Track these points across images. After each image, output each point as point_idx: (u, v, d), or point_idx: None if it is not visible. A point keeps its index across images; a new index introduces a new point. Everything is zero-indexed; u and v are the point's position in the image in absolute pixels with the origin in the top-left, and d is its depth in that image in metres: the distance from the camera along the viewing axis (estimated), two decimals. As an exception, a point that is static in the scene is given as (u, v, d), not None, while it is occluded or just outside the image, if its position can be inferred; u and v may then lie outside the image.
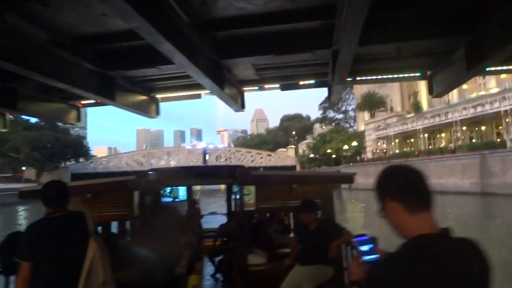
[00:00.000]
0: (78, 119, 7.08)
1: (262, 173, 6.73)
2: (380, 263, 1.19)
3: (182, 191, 7.60)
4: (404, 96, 59.50)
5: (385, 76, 6.27)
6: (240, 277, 4.28)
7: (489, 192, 29.03)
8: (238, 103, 6.70)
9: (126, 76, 5.77)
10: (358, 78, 6.33)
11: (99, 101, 6.44)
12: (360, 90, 70.58)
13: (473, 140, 36.98)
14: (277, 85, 6.65)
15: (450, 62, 5.39)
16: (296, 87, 6.59)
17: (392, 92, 61.02)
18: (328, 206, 4.55)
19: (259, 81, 6.52)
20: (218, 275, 5.70)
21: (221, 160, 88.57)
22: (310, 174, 7.55)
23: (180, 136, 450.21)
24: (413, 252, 1.07)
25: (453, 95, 49.55)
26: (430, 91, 6.18)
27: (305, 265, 3.80)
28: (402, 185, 1.15)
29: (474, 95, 44.39)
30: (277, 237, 5.51)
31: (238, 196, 4.91)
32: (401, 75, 6.26)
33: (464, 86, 49.56)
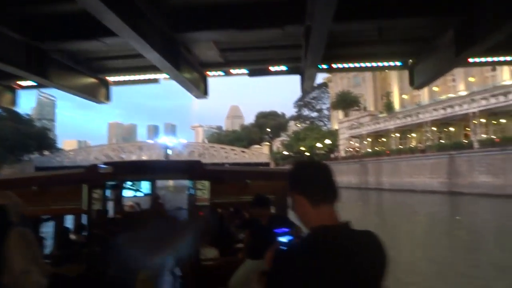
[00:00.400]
0: (14, 103, 6.08)
1: (216, 168, 6.59)
2: (282, 253, 1.22)
3: (145, 185, 7.36)
4: (377, 96, 60.36)
5: (363, 64, 5.70)
6: (192, 272, 4.32)
7: (456, 191, 29.65)
8: (201, 89, 5.95)
9: (64, 50, 4.89)
10: (334, 66, 5.73)
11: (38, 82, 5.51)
12: (335, 89, 71.15)
13: (442, 141, 37.78)
14: (245, 70, 5.93)
15: (434, 49, 4.89)
16: (266, 73, 5.91)
17: (366, 91, 61.79)
18: (282, 202, 4.59)
19: (224, 65, 5.80)
20: (176, 270, 5.30)
21: (195, 156, 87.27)
22: (265, 170, 7.36)
23: (154, 130, 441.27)
24: (313, 243, 1.13)
25: (424, 96, 50.70)
26: (411, 81, 5.68)
27: (256, 259, 3.79)
28: (307, 180, 1.21)
29: (444, 97, 45.54)
30: (237, 232, 5.56)
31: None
32: (380, 63, 5.72)
33: (435, 88, 50.92)
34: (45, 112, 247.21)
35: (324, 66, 5.65)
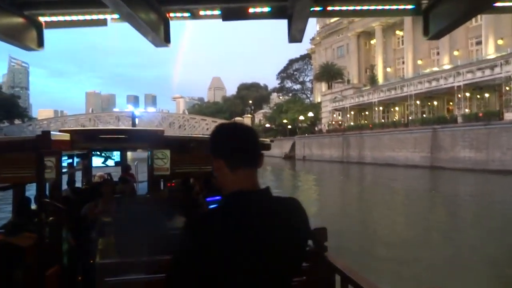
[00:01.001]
0: None
1: (176, 137, 6.40)
2: (197, 218, 1.16)
3: (116, 155, 7.12)
4: (361, 68, 59.35)
5: (365, 7, 4.49)
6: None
7: (438, 166, 29.57)
8: (160, 35, 4.63)
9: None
10: (329, 8, 4.49)
11: None
12: (318, 60, 69.67)
13: (425, 115, 37.52)
14: (217, 12, 4.63)
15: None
16: (244, 15, 4.63)
17: (350, 64, 60.63)
18: None
19: (191, 2, 4.48)
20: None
21: (175, 127, 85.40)
22: None
23: (134, 101, 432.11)
24: (225, 208, 1.11)
25: (408, 70, 50.12)
26: (425, 30, 4.55)
27: None
28: (226, 143, 1.16)
29: (428, 70, 44.91)
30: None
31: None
32: (387, 7, 4.52)
33: (419, 61, 50.33)
34: (17, 80, 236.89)
35: (318, 9, 4.42)
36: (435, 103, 37.40)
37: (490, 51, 39.39)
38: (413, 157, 32.36)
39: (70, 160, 5.87)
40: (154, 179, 4.82)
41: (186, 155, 4.56)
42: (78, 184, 6.91)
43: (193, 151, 4.58)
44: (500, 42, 39.56)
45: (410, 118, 36.52)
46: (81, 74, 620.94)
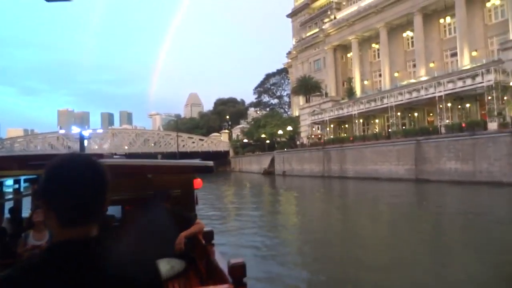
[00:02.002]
0: None
1: (111, 162, 5.40)
2: (11, 274, 0.93)
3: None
4: (338, 81, 58.92)
5: None
6: None
7: (423, 178, 28.48)
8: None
9: None
10: None
11: None
12: (295, 74, 69.08)
13: (405, 127, 36.78)
14: None
15: None
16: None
17: (327, 77, 60.17)
18: (188, 197, 4.57)
19: None
20: None
21: (150, 144, 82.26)
22: (167, 163, 5.93)
23: (109, 118, 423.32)
24: (50, 261, 0.92)
25: (386, 82, 49.92)
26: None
27: None
28: (55, 190, 0.94)
29: (405, 82, 44.66)
30: None
31: None
32: None
33: (396, 74, 50.30)
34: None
35: None
36: (416, 114, 36.79)
37: (465, 62, 39.51)
38: (397, 170, 31.23)
39: (17, 185, 5.43)
40: None
41: (123, 180, 4.31)
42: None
43: (131, 176, 4.37)
44: (474, 53, 39.88)
45: (391, 130, 35.62)
46: (54, 92, 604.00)
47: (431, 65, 45.06)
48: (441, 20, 44.68)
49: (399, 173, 31.02)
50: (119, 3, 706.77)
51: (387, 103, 35.94)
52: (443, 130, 29.53)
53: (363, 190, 28.54)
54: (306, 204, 23.42)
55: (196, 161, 6.05)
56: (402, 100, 34.56)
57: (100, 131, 77.87)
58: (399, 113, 35.96)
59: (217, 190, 32.27)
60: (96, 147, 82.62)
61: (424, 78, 41.34)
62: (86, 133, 41.70)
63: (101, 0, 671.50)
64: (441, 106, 30.70)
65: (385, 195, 24.15)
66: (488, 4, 39.90)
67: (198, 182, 5.14)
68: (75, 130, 56.65)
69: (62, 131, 70.57)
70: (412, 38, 48.68)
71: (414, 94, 33.27)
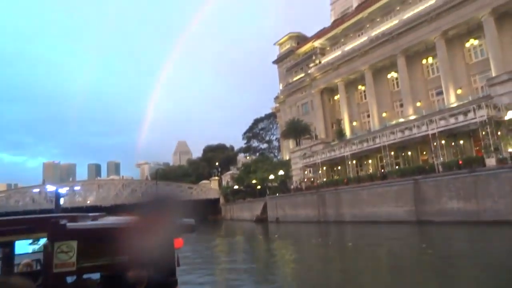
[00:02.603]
0: None
1: (84, 227, 4.69)
2: None
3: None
4: (327, 123, 58.85)
5: None
6: None
7: (425, 220, 26.98)
8: None
9: None
10: None
11: None
12: (283, 118, 69.16)
13: (398, 166, 35.87)
14: None
15: None
16: None
17: (316, 120, 60.16)
18: (167, 259, 4.35)
19: None
20: None
21: (138, 194, 79.41)
22: (143, 224, 4.23)
23: (96, 170, 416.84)
24: None
25: (375, 123, 49.88)
26: None
27: None
28: None
29: (394, 122, 44.55)
30: None
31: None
32: None
33: (383, 114, 50.46)
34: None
35: None
36: (409, 153, 36.06)
37: (452, 100, 39.79)
38: (396, 212, 29.73)
39: None
40: (56, 276, 4.10)
41: (97, 245, 4.25)
42: None
43: (106, 240, 4.22)
44: (459, 91, 40.36)
45: (386, 170, 34.58)
46: (40, 145, 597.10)
47: (418, 104, 45.38)
48: (424, 61, 45.72)
49: (399, 215, 29.50)
50: (108, 57, 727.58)
51: (380, 143, 35.27)
52: (440, 168, 28.58)
53: (362, 235, 26.78)
54: (303, 254, 21.49)
55: (179, 220, 5.20)
56: (394, 139, 33.93)
57: (78, 187, 75.01)
58: (392, 153, 35.17)
59: (206, 243, 30.05)
60: (81, 199, 79.49)
61: (412, 117, 41.29)
62: (63, 190, 39.68)
63: (90, 54, 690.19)
64: (435, 143, 30.03)
65: (385, 240, 22.49)
66: (467, 45, 41.09)
67: (179, 241, 4.83)
68: (50, 188, 54.20)
69: (50, 187, 67.53)
70: (396, 79, 49.52)
71: (407, 133, 32.73)
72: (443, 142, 30.25)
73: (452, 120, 28.73)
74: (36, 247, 5.82)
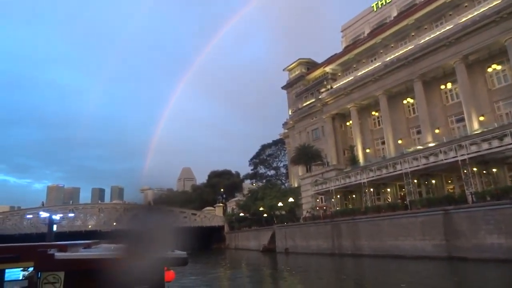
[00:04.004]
0: None
1: (73, 257, 4.50)
2: None
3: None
4: (339, 150, 56.59)
5: None
6: None
7: (458, 256, 24.03)
8: None
9: None
10: None
11: None
12: (292, 144, 67.06)
13: (422, 195, 33.10)
14: None
15: None
16: None
17: (327, 146, 57.99)
18: None
19: None
20: None
21: (137, 219, 76.43)
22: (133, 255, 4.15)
23: (100, 194, 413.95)
24: None
25: (390, 150, 47.55)
26: None
27: None
28: None
29: (412, 149, 42.17)
30: None
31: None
32: None
33: (399, 141, 48.23)
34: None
35: None
36: (433, 181, 33.41)
37: (475, 127, 37.59)
38: (423, 246, 26.79)
39: None
40: None
41: (85, 276, 4.17)
42: None
43: (94, 271, 4.12)
44: (481, 118, 38.26)
45: (408, 198, 31.83)
46: (45, 168, 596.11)
47: (437, 131, 43.22)
48: (442, 87, 43.92)
49: (426, 249, 26.55)
50: (116, 83, 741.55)
51: (401, 169, 32.70)
52: (473, 198, 25.90)
53: (386, 272, 23.80)
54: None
55: (169, 253, 4.80)
56: (418, 166, 31.38)
57: (72, 214, 72.71)
58: (415, 180, 32.53)
59: (204, 276, 27.17)
60: (80, 223, 76.57)
61: (432, 144, 38.98)
62: (57, 216, 37.41)
63: (98, 80, 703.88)
64: (465, 171, 27.46)
65: (416, 279, 19.57)
66: (489, 70, 39.37)
67: (170, 274, 4.73)
68: (44, 214, 52.09)
69: (44, 213, 64.95)
70: (412, 105, 47.68)
71: (432, 159, 30.22)
72: (474, 169, 27.71)
73: (485, 146, 26.33)
74: (26, 273, 5.54)
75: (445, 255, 25.00)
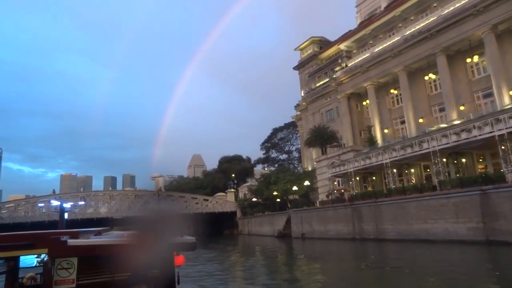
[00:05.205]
0: None
1: (85, 243, 4.63)
2: None
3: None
4: (355, 131, 54.16)
5: None
6: None
7: (498, 240, 21.90)
8: None
9: None
10: None
11: None
12: (305, 127, 64.75)
13: (450, 175, 30.78)
14: None
15: None
16: None
17: (342, 127, 55.61)
18: (167, 277, 4.29)
19: None
20: None
21: (148, 206, 75.82)
22: (143, 240, 4.25)
23: (112, 182, 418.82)
24: None
25: (411, 129, 45.00)
26: None
27: None
28: None
29: (435, 127, 39.59)
30: None
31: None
32: None
33: (420, 120, 45.63)
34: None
35: None
36: (463, 160, 31.02)
37: (506, 102, 34.83)
38: (457, 229, 24.66)
39: None
40: None
41: (97, 261, 4.26)
42: None
43: (105, 256, 4.20)
44: (512, 93, 35.43)
45: (437, 179, 29.53)
46: (59, 158, 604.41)
47: (462, 108, 40.50)
48: (468, 60, 40.92)
49: (460, 233, 24.43)
50: (126, 71, 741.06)
51: (429, 148, 30.33)
52: (510, 177, 23.57)
53: (419, 257, 21.78)
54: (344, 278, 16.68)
55: (178, 238, 4.68)
56: (447, 144, 28.96)
57: (82, 202, 72.16)
58: (444, 159, 30.17)
59: (217, 264, 25.55)
60: (92, 210, 76.20)
61: (457, 122, 36.39)
62: (68, 204, 36.09)
63: (108, 69, 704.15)
64: (503, 147, 25.03)
65: (459, 266, 17.54)
66: (521, 39, 36.29)
67: (180, 259, 4.84)
68: (55, 203, 51.18)
69: (55, 202, 64.15)
70: (434, 81, 44.86)
71: (463, 136, 27.76)
72: (512, 145, 25.28)
73: (527, 119, 23.82)
74: (40, 259, 5.39)
75: (482, 239, 22.88)
